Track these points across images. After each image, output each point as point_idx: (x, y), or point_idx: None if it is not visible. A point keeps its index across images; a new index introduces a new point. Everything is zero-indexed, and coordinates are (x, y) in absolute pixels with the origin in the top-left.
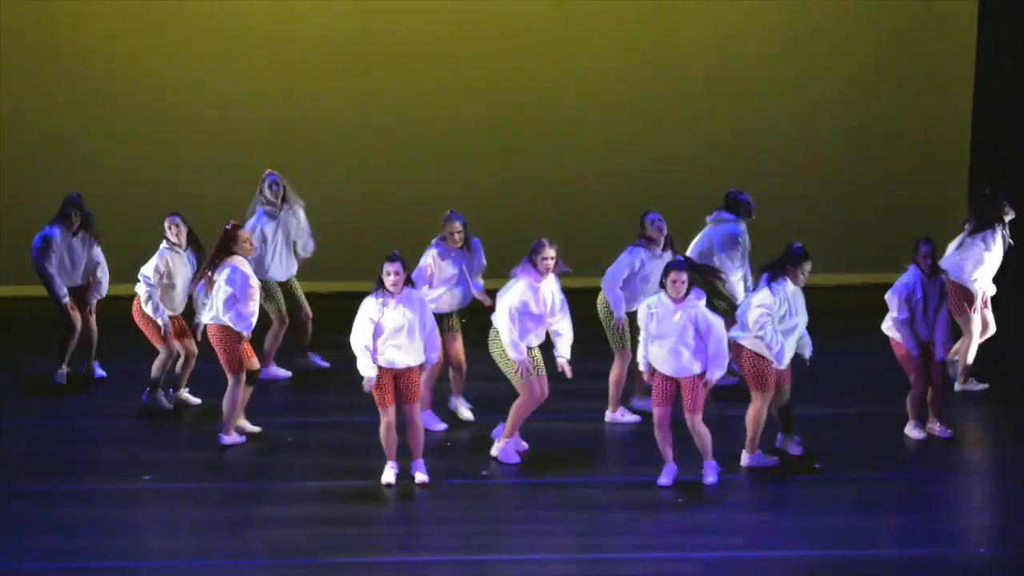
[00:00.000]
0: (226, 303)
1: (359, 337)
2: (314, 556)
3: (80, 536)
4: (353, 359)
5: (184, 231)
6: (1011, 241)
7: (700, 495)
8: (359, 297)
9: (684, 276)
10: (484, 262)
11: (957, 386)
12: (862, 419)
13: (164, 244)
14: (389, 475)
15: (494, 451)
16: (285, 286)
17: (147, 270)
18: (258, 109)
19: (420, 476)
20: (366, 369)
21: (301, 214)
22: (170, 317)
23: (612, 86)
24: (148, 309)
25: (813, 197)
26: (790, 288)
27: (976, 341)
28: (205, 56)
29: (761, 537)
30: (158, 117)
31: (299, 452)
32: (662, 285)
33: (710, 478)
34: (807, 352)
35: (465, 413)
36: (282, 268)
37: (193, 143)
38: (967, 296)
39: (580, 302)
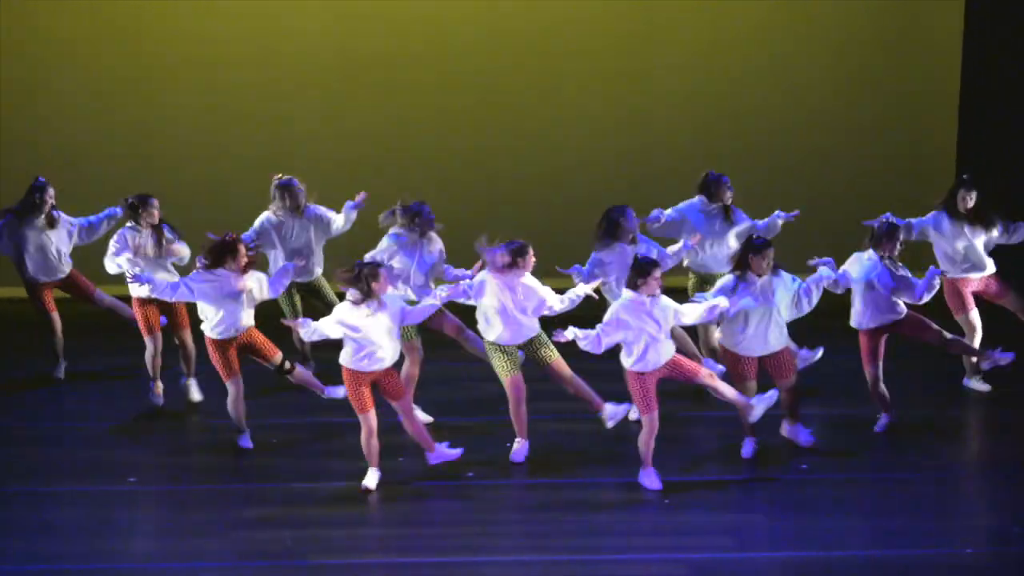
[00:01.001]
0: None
1: (325, 327)
2: (301, 558)
3: (67, 538)
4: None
5: (156, 215)
6: (984, 231)
7: (688, 496)
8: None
9: (657, 274)
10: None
11: (965, 381)
12: (854, 420)
13: (128, 224)
14: (371, 479)
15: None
16: (304, 287)
17: (120, 260)
18: (246, 119)
19: (449, 452)
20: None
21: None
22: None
23: (604, 91)
24: (143, 290)
25: (804, 200)
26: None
27: (979, 337)
28: (196, 64)
29: (750, 538)
30: (155, 126)
31: (287, 454)
32: (635, 287)
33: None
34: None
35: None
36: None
37: (186, 149)
38: (957, 293)
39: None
